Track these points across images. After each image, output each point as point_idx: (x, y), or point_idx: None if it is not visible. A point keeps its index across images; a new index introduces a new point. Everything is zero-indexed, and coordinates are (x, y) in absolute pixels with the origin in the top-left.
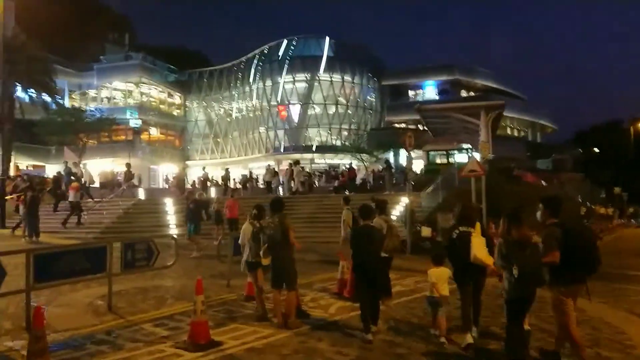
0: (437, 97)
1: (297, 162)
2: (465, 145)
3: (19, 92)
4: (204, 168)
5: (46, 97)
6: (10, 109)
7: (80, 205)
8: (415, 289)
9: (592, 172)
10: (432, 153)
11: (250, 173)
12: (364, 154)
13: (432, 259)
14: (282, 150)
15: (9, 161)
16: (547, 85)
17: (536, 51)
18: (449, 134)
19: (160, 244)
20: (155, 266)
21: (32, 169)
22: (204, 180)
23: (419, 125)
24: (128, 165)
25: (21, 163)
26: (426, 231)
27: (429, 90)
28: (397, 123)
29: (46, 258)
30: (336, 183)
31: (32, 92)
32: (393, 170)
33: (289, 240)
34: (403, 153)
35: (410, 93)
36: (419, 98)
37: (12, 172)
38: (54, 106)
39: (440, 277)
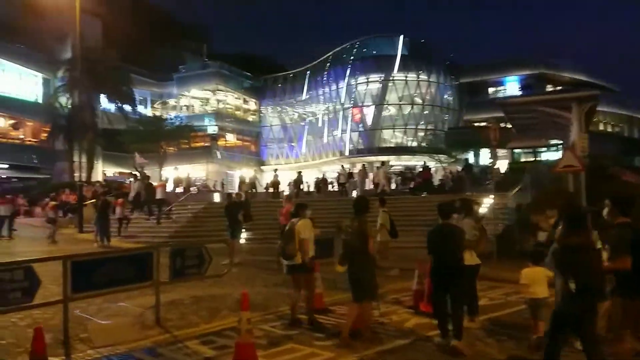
0: (519, 93)
1: (383, 164)
2: (554, 141)
3: (106, 103)
4: (275, 171)
5: (127, 107)
6: (92, 118)
7: (165, 202)
8: (506, 302)
9: None
10: (517, 151)
11: (324, 176)
12: (442, 155)
13: (531, 256)
14: (356, 152)
15: (92, 168)
16: None
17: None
18: (534, 130)
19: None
20: (208, 274)
21: (118, 175)
22: (275, 183)
23: (501, 124)
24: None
25: (108, 170)
26: (542, 236)
27: (511, 86)
28: (476, 122)
29: (86, 265)
30: (412, 185)
31: (117, 102)
32: (474, 170)
33: (367, 249)
34: (484, 153)
35: (490, 90)
36: (500, 95)
37: (100, 179)
38: (136, 115)
39: (536, 278)
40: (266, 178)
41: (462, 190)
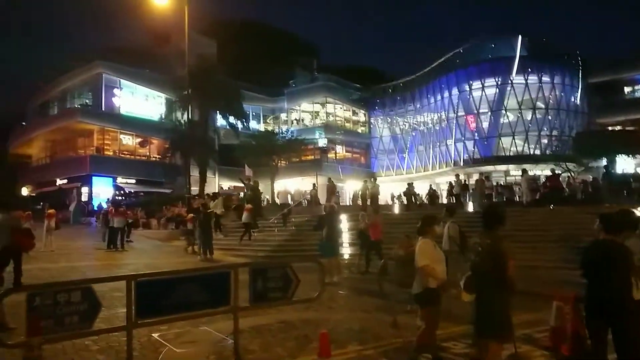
0: None
1: (525, 171)
2: None
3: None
4: (374, 180)
5: (237, 122)
6: (204, 133)
7: (250, 225)
8: None
9: None
10: None
11: (431, 187)
12: (569, 163)
13: None
14: (471, 162)
15: (204, 181)
16: None
17: None
18: None
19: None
20: (297, 297)
21: (232, 188)
22: (373, 195)
23: None
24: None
25: (224, 184)
26: None
27: None
28: (609, 125)
29: (152, 287)
30: (537, 195)
31: (229, 118)
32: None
33: (503, 274)
34: (621, 159)
35: (626, 89)
36: (638, 94)
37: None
38: (249, 130)
39: None
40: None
41: (599, 202)
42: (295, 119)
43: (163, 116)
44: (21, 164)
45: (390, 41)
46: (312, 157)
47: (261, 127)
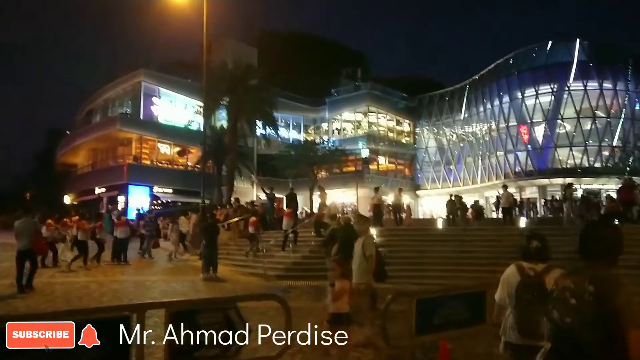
0: None
1: (570, 185)
2: None
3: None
4: (376, 190)
5: (271, 131)
6: (234, 139)
7: (255, 237)
8: None
9: None
10: None
11: (476, 202)
12: (635, 176)
13: None
14: (524, 175)
15: (232, 189)
16: None
17: None
18: None
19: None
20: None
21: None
22: (378, 205)
23: None
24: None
25: (262, 194)
26: None
27: None
28: None
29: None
30: (602, 210)
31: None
32: None
33: (615, 348)
34: None
35: None
36: None
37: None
38: (287, 140)
39: None
40: (423, 204)
41: None
42: (337, 129)
43: (199, 124)
44: (67, 173)
45: (443, 51)
46: (354, 168)
47: (302, 137)
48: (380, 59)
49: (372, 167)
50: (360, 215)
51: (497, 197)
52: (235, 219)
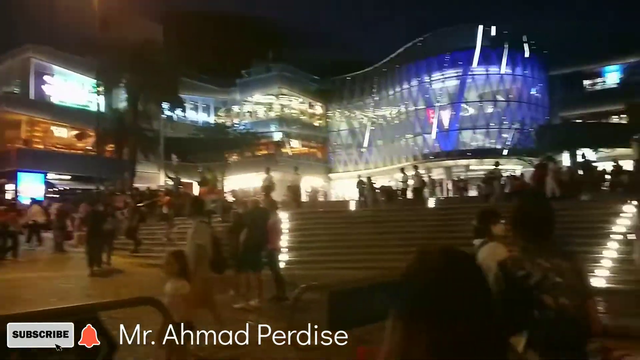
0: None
1: (550, 158)
2: None
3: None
4: (267, 171)
5: (179, 113)
6: (135, 121)
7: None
8: None
9: None
10: None
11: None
12: (532, 157)
13: None
14: (433, 157)
15: (134, 175)
16: None
17: None
18: None
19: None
20: None
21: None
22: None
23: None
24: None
25: (169, 180)
26: None
27: (611, 77)
28: (572, 118)
29: None
30: (507, 189)
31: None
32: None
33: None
34: (585, 153)
35: (586, 82)
36: (598, 87)
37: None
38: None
39: None
40: (335, 187)
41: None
42: (249, 112)
43: (98, 105)
44: None
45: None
46: (266, 152)
47: (212, 119)
48: (295, 40)
49: (285, 150)
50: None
51: (405, 179)
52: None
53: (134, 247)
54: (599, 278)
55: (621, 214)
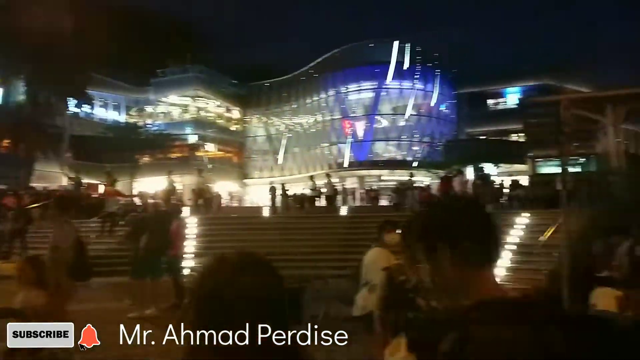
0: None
1: (459, 171)
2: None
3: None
4: (169, 173)
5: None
6: (35, 115)
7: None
8: None
9: None
10: (540, 161)
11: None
12: (440, 170)
13: None
14: (347, 166)
15: (30, 173)
16: None
17: None
18: (558, 139)
19: None
20: None
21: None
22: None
23: (503, 137)
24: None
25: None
26: None
27: (512, 98)
28: (477, 135)
29: None
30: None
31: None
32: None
33: None
34: (486, 168)
35: (490, 102)
36: (500, 107)
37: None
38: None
39: None
40: (250, 193)
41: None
42: (163, 112)
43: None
44: None
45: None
46: (180, 155)
47: (123, 118)
48: (214, 42)
49: (200, 154)
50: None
51: (316, 187)
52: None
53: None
54: None
55: (515, 226)
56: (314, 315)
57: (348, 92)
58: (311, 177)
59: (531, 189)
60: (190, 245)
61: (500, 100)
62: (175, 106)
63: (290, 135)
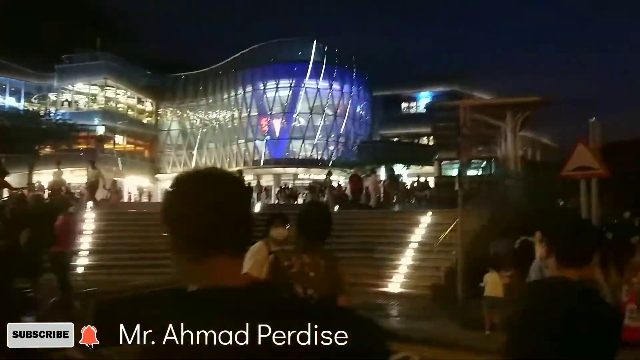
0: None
1: (372, 171)
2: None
3: None
4: (58, 165)
5: None
6: None
7: None
8: None
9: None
10: (446, 164)
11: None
12: (354, 170)
13: None
14: (262, 163)
15: None
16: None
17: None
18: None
19: None
20: None
21: None
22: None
23: (415, 140)
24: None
25: None
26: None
27: (424, 102)
28: (390, 137)
29: None
30: (325, 198)
31: None
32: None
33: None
34: (398, 169)
35: (403, 105)
36: (413, 111)
37: None
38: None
39: None
40: (163, 188)
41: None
42: (67, 101)
43: None
44: None
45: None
46: (86, 146)
47: (22, 105)
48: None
49: (108, 146)
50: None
51: None
52: None
53: None
54: (395, 283)
55: (420, 225)
56: None
57: (266, 89)
58: (240, 172)
59: (437, 189)
60: (91, 241)
61: (413, 104)
62: (82, 95)
63: (206, 130)
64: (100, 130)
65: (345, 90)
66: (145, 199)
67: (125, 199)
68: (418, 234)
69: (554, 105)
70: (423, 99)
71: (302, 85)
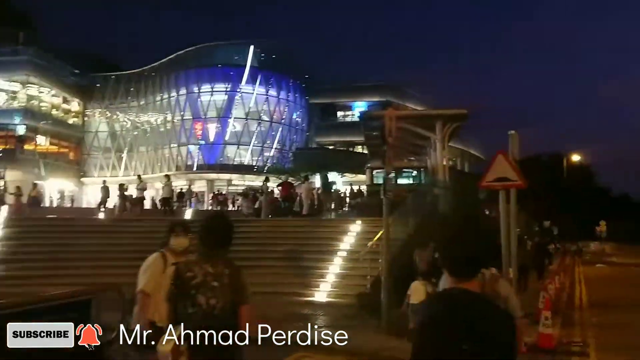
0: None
1: (306, 178)
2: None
3: None
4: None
5: None
6: None
7: None
8: None
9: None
10: (377, 172)
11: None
12: (289, 176)
13: None
14: (194, 168)
15: None
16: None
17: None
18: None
19: None
20: None
21: None
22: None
23: (349, 148)
24: None
25: None
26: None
27: (359, 111)
28: (325, 145)
29: None
30: (257, 204)
31: None
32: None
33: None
34: (332, 176)
35: (339, 113)
36: (348, 119)
37: None
38: None
39: None
40: (88, 192)
41: (318, 215)
42: None
43: None
44: None
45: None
46: (5, 146)
47: None
48: (53, 24)
49: (29, 147)
50: None
51: (142, 187)
52: None
53: None
54: (322, 292)
55: (349, 233)
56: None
57: (201, 92)
58: (139, 177)
59: (368, 197)
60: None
61: (349, 112)
62: (2, 91)
63: (137, 133)
64: (21, 129)
65: (282, 96)
66: (67, 204)
67: (47, 204)
68: (347, 242)
69: (482, 117)
70: (358, 108)
71: (238, 90)
